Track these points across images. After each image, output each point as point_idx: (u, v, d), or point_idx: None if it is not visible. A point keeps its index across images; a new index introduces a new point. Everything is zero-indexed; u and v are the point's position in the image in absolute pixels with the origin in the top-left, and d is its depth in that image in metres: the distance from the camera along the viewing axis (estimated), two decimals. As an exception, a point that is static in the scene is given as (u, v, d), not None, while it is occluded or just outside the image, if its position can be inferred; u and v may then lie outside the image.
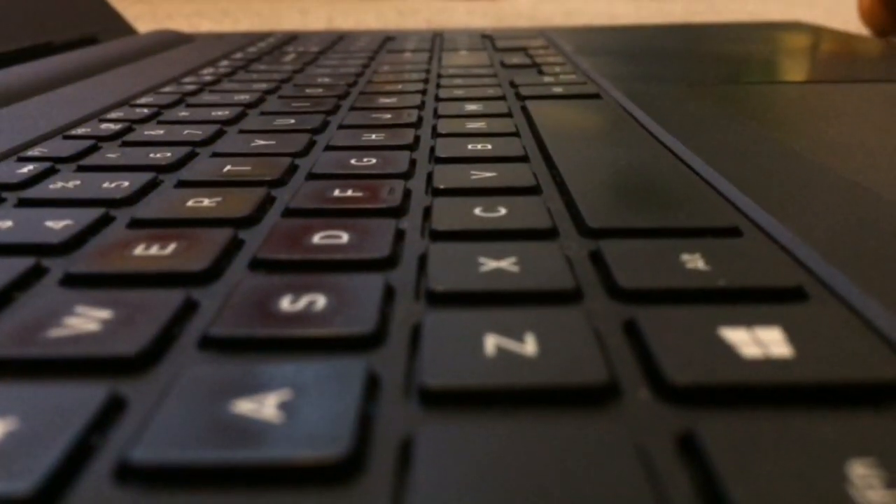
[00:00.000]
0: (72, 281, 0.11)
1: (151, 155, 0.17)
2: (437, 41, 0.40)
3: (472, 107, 0.23)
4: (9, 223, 0.13)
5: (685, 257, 0.11)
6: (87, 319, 0.09)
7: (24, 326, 0.09)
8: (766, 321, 0.09)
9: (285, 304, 0.10)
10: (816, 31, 0.42)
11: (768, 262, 0.11)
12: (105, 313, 0.09)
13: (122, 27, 0.41)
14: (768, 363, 0.08)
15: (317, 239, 0.12)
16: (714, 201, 0.14)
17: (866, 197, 0.14)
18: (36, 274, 0.11)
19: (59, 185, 0.15)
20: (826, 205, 0.14)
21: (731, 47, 0.37)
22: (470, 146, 0.18)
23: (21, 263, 0.11)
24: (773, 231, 0.12)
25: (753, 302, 0.10)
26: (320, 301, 0.10)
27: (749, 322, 0.09)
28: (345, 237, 0.12)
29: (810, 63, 0.34)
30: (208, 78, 0.29)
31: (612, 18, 0.77)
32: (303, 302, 0.10)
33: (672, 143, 0.18)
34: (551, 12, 0.82)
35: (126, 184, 0.15)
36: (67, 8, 0.38)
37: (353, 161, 0.17)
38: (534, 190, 0.15)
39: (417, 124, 0.21)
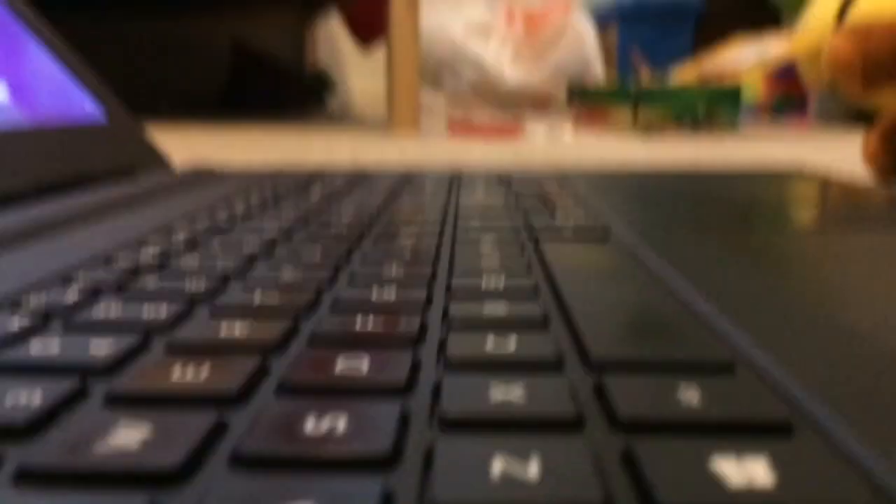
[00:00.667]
0: (114, 401, 0.12)
1: (188, 284, 0.18)
2: (455, 181, 0.42)
3: (486, 245, 0.24)
4: (56, 345, 0.14)
5: (681, 390, 0.12)
6: (127, 437, 0.10)
7: (71, 442, 0.10)
8: (753, 453, 0.10)
9: (309, 426, 0.11)
10: (823, 180, 0.44)
11: (759, 398, 0.12)
12: (144, 431, 0.10)
13: (159, 160, 0.44)
14: (752, 494, 0.09)
15: (339, 366, 0.13)
16: (712, 338, 0.15)
17: (858, 340, 0.15)
18: (81, 394, 0.12)
19: (103, 310, 0.16)
20: (818, 346, 0.14)
21: (738, 193, 0.38)
22: (484, 282, 0.19)
23: (67, 384, 0.12)
24: (766, 368, 0.13)
25: (742, 434, 0.11)
26: (341, 424, 0.11)
27: (737, 453, 0.10)
28: (365, 365, 0.13)
29: (816, 211, 0.36)
30: (240, 212, 0.31)
31: (625, 159, 0.80)
32: (325, 424, 0.11)
33: (676, 282, 0.19)
34: (566, 152, 0.86)
35: (164, 310, 0.16)
36: (107, 142, 0.40)
37: (374, 293, 0.18)
38: (543, 324, 0.16)
39: (435, 260, 0.22)
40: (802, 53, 1.61)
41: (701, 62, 1.65)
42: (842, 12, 1.48)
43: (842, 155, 0.88)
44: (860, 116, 1.62)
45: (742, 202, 0.35)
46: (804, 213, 0.35)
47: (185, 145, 0.89)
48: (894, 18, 0.56)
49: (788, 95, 1.82)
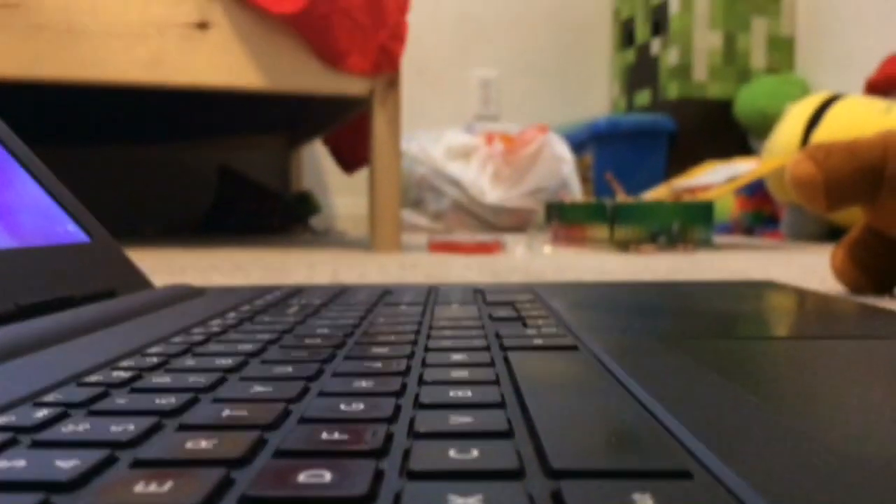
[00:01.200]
0: (75, 515, 0.12)
1: (157, 401, 0.19)
2: (431, 294, 0.43)
3: (457, 356, 0.24)
4: (22, 462, 0.14)
5: (636, 497, 0.12)
6: (87, 549, 0.10)
7: (29, 555, 0.10)
8: (701, 554, 0.10)
9: (267, 536, 0.11)
10: (790, 291, 0.45)
11: (712, 503, 0.12)
12: (104, 544, 0.10)
13: (140, 281, 0.45)
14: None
15: (302, 478, 0.13)
16: (670, 446, 0.15)
17: (813, 447, 0.15)
18: (44, 509, 0.12)
19: (71, 428, 0.16)
20: (774, 452, 0.15)
21: (706, 304, 0.39)
22: (452, 393, 0.19)
23: (31, 500, 0.12)
24: (721, 475, 0.13)
25: (694, 537, 0.11)
26: (300, 534, 0.11)
27: (685, 555, 0.10)
28: (328, 476, 0.13)
29: (781, 320, 0.36)
30: (216, 329, 0.31)
31: (600, 274, 0.82)
32: (284, 535, 0.11)
33: (638, 392, 0.20)
34: (543, 267, 0.87)
35: (132, 427, 0.16)
36: (89, 264, 0.41)
37: (342, 406, 0.18)
38: (506, 434, 0.16)
39: (406, 373, 0.22)
40: (770, 173, 1.67)
41: (674, 181, 1.71)
42: (806, 135, 1.55)
43: (813, 268, 0.90)
44: (831, 232, 1.66)
45: (712, 314, 0.36)
46: (772, 323, 0.36)
47: (169, 268, 0.90)
48: (851, 140, 0.59)
49: (759, 212, 1.88)
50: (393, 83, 1.22)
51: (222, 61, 1.15)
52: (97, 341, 0.28)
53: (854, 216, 1.61)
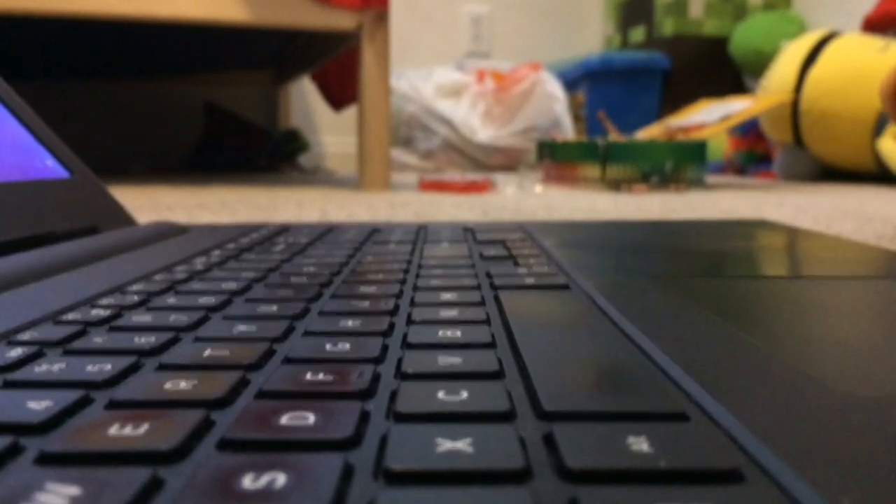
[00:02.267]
0: (46, 459, 0.11)
1: (136, 340, 0.18)
2: (421, 233, 0.42)
3: (447, 296, 0.24)
4: (-8, 403, 0.13)
5: (631, 440, 0.12)
6: (56, 496, 0.10)
7: (-6, 502, 0.09)
8: (699, 501, 0.10)
9: (247, 482, 0.10)
10: (782, 229, 0.44)
11: (709, 446, 0.12)
12: (73, 490, 0.10)
13: (122, 218, 0.44)
14: (698, 540, 0.09)
15: (284, 420, 0.12)
16: (666, 388, 0.15)
17: (811, 387, 0.15)
18: (13, 452, 0.11)
19: (45, 367, 0.16)
20: (771, 393, 0.14)
21: (699, 242, 0.39)
22: (441, 333, 0.19)
23: (0, 442, 0.11)
24: (718, 416, 0.13)
25: (691, 483, 0.10)
26: (280, 479, 0.10)
27: (684, 502, 0.10)
28: (311, 418, 0.13)
29: (774, 259, 0.36)
30: (199, 267, 0.30)
31: (592, 213, 0.81)
32: (264, 480, 0.10)
33: (632, 332, 0.19)
34: (534, 206, 0.87)
35: (108, 367, 0.16)
36: (70, 200, 0.40)
37: (328, 346, 0.17)
38: (497, 375, 0.15)
39: (393, 312, 0.22)
40: (765, 112, 1.65)
41: (667, 120, 1.69)
42: (802, 74, 1.53)
43: (805, 208, 0.90)
44: (824, 172, 1.66)
45: (705, 253, 0.35)
46: (765, 262, 0.35)
47: (154, 206, 0.89)
48: None
49: (752, 152, 1.87)
50: (382, 18, 1.19)
51: None
52: (77, 278, 0.27)
53: (849, 158, 1.60)
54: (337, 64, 1.66)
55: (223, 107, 2.03)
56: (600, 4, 2.60)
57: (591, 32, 2.61)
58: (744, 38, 2.09)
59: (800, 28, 2.04)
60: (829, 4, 2.11)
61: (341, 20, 1.17)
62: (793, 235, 0.42)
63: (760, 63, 1.98)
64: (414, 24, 2.38)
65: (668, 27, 2.21)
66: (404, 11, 2.31)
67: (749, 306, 0.24)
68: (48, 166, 0.40)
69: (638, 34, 2.37)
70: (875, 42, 1.53)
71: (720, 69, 2.19)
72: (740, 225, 0.47)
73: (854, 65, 1.50)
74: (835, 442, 0.12)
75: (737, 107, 1.56)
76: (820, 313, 0.23)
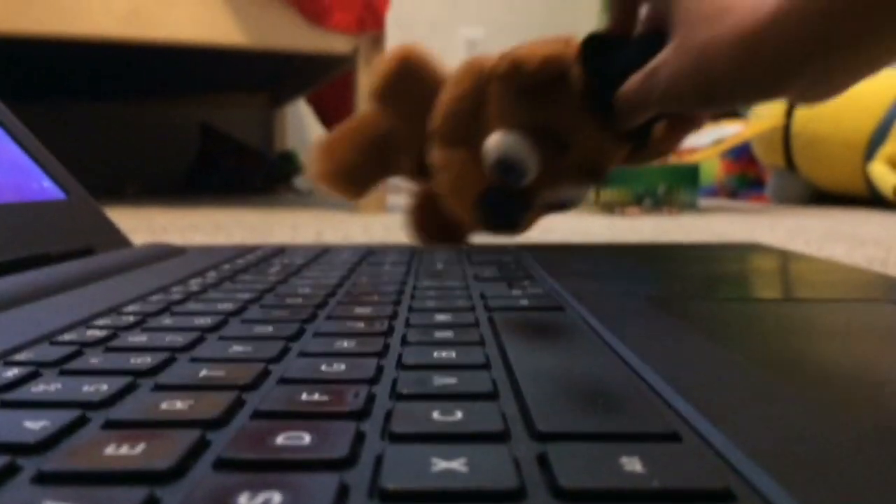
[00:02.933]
0: (43, 478, 0.11)
1: (132, 360, 0.18)
2: (416, 255, 0.42)
3: (441, 317, 0.24)
4: (-12, 423, 0.13)
5: (624, 460, 0.12)
6: (52, 514, 0.10)
7: (-9, 520, 0.10)
8: (691, 519, 0.10)
9: (242, 501, 0.10)
10: (775, 253, 0.45)
11: (701, 466, 0.12)
12: (70, 508, 0.10)
13: (118, 240, 0.44)
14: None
15: (280, 440, 0.13)
16: (658, 408, 0.15)
17: (804, 408, 0.15)
18: (10, 471, 0.11)
19: (41, 388, 0.16)
20: (764, 413, 0.14)
21: (692, 266, 0.39)
22: (436, 354, 0.19)
23: (-4, 461, 0.11)
24: (710, 436, 0.13)
25: (683, 503, 0.10)
26: (276, 498, 0.10)
27: (676, 520, 0.10)
28: (307, 438, 0.13)
29: (767, 282, 0.36)
30: (195, 288, 0.30)
31: (586, 236, 0.82)
32: (259, 499, 0.10)
33: (625, 353, 0.19)
34: (530, 230, 0.87)
35: (105, 387, 0.16)
36: (66, 221, 0.40)
37: (323, 367, 0.18)
38: (491, 395, 0.16)
39: (388, 333, 0.22)
40: (757, 136, 1.66)
41: None
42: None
43: (797, 232, 0.90)
44: (816, 196, 1.67)
45: (698, 276, 0.36)
46: (758, 285, 0.35)
47: (149, 227, 0.89)
48: (354, 122, 0.58)
49: (745, 175, 1.88)
50: (378, 41, 1.20)
51: (203, 16, 1.13)
52: (73, 299, 0.27)
53: (841, 181, 1.60)
54: (333, 87, 1.67)
55: (219, 128, 2.04)
56: (594, 29, 2.62)
57: None
58: None
59: None
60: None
61: (337, 44, 1.18)
62: (785, 259, 0.42)
63: None
64: (409, 48, 2.40)
65: None
66: (400, 35, 2.32)
67: (743, 329, 0.24)
68: (44, 187, 0.40)
69: None
70: None
71: None
72: (733, 248, 0.47)
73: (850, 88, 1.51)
74: (825, 462, 0.12)
75: (729, 131, 1.58)
76: (813, 336, 0.23)
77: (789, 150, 1.62)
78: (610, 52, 0.47)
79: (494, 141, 0.49)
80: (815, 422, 0.14)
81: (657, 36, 0.45)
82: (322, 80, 1.62)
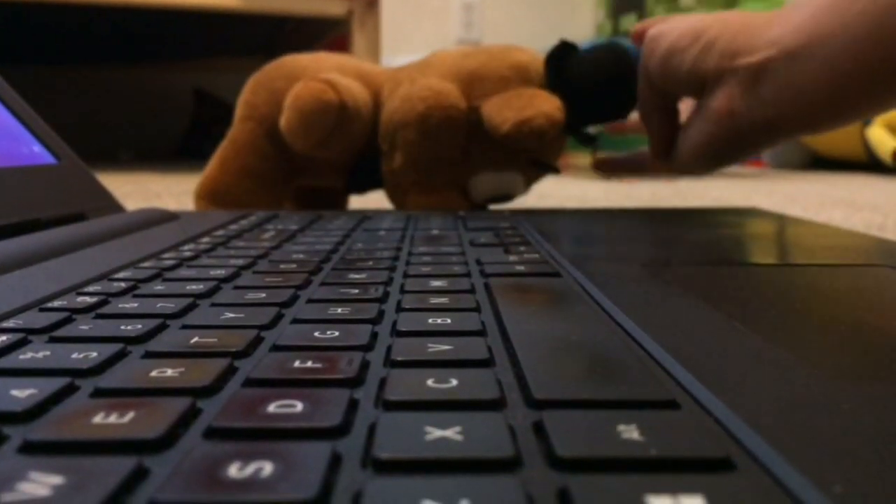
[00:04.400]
0: (29, 448, 0.11)
1: (122, 327, 0.18)
2: (410, 221, 0.42)
3: (437, 283, 0.24)
4: (-26, 391, 0.13)
5: (621, 428, 0.12)
6: (39, 485, 0.09)
7: (-25, 491, 0.09)
8: (690, 490, 0.10)
9: (233, 470, 0.10)
10: (773, 217, 0.45)
11: (700, 434, 0.12)
12: (57, 479, 0.10)
13: (110, 205, 0.43)
14: (688, 529, 0.09)
15: (272, 408, 0.12)
16: (656, 375, 0.15)
17: (802, 374, 0.15)
18: (-4, 440, 0.11)
19: (30, 355, 0.15)
20: (762, 380, 0.14)
21: (690, 230, 0.39)
22: (430, 320, 0.19)
23: (-19, 430, 0.11)
24: (709, 404, 0.13)
25: (681, 471, 0.10)
26: (267, 468, 0.10)
27: (674, 490, 0.10)
28: (299, 406, 0.12)
29: (765, 247, 0.36)
30: (188, 254, 0.30)
31: (583, 201, 0.81)
32: (250, 469, 0.10)
33: (623, 319, 0.19)
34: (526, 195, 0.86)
35: (94, 354, 0.15)
36: (56, 186, 0.40)
37: (317, 334, 0.17)
38: (486, 363, 0.15)
39: (383, 299, 0.22)
40: None
41: None
42: None
43: (795, 197, 0.90)
44: (814, 161, 1.66)
45: (696, 241, 0.35)
46: (756, 250, 0.35)
47: (143, 193, 0.88)
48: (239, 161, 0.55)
49: None
50: (372, 4, 1.18)
51: None
52: (63, 265, 0.27)
53: (839, 146, 1.59)
54: (327, 51, 1.65)
55: (213, 94, 2.01)
56: None
57: (582, 20, 2.60)
58: None
59: None
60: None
61: (332, 7, 1.16)
62: (783, 223, 0.42)
63: None
64: (405, 12, 2.37)
65: (659, 15, 2.20)
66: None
67: (740, 294, 0.24)
68: (35, 152, 0.40)
69: (629, 22, 2.36)
70: None
71: None
72: (732, 213, 0.47)
73: None
74: (826, 429, 0.12)
75: None
76: (811, 300, 0.23)
77: None
78: (570, 65, 0.49)
79: (490, 181, 0.51)
80: (816, 389, 0.14)
81: (613, 45, 0.47)
82: (316, 44, 1.59)
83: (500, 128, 0.46)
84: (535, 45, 0.54)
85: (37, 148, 0.40)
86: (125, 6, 1.12)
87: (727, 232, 0.38)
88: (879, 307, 0.22)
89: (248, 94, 0.55)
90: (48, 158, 0.40)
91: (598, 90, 0.48)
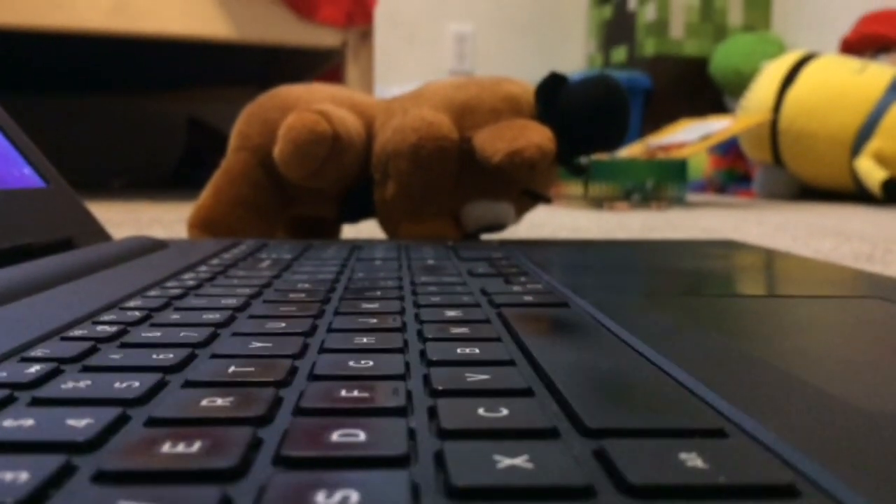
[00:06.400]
0: (105, 478, 0.11)
1: (154, 356, 0.18)
2: (402, 250, 0.42)
3: (451, 313, 0.24)
4: (30, 421, 0.13)
5: (684, 456, 0.12)
6: (132, 515, 0.09)
7: (70, 522, 0.09)
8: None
9: (321, 498, 0.10)
10: (757, 251, 0.46)
11: (757, 462, 0.12)
12: (149, 509, 0.10)
13: (96, 230, 0.43)
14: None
15: (335, 437, 0.12)
16: (694, 404, 0.15)
17: (836, 403, 0.15)
18: (67, 471, 0.11)
19: (71, 385, 0.15)
20: (800, 408, 0.15)
21: (685, 262, 0.39)
22: (459, 350, 0.19)
23: (51, 461, 0.11)
24: (755, 432, 0.13)
25: (752, 498, 0.11)
26: (353, 496, 0.10)
27: (755, 515, 0.10)
28: (362, 435, 0.13)
29: (756, 279, 0.37)
30: (191, 282, 0.30)
31: (574, 231, 0.82)
32: (337, 497, 0.10)
33: (643, 348, 0.20)
34: (518, 225, 0.87)
35: (136, 384, 0.15)
36: (46, 210, 0.39)
37: (351, 363, 0.17)
38: (527, 392, 0.16)
39: (403, 329, 0.22)
40: (744, 131, 1.68)
41: (648, 139, 1.72)
42: (781, 94, 1.56)
43: (784, 227, 0.92)
44: (803, 191, 1.70)
45: (687, 272, 0.36)
46: (753, 280, 0.36)
47: (136, 222, 0.87)
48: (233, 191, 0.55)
49: (732, 170, 1.90)
50: (366, 36, 1.19)
51: (190, 9, 1.11)
52: (66, 295, 0.27)
53: (828, 177, 1.62)
54: (321, 81, 1.65)
55: (207, 122, 2.00)
56: (583, 24, 2.64)
57: (573, 51, 2.64)
58: (724, 58, 2.13)
59: (779, 49, 2.08)
60: (807, 26, 2.17)
61: (326, 38, 1.17)
62: (769, 256, 0.43)
63: (740, 83, 2.01)
64: (398, 42, 2.39)
65: (649, 47, 2.24)
66: (389, 29, 2.31)
67: (748, 324, 0.24)
68: (25, 175, 0.39)
69: (620, 54, 2.41)
70: (852, 63, 1.57)
71: (701, 89, 2.23)
72: (723, 246, 0.48)
73: (832, 85, 1.54)
74: (875, 454, 0.12)
75: (717, 126, 1.59)
76: (812, 331, 0.24)
77: (777, 145, 1.64)
78: (561, 97, 0.50)
79: (482, 211, 0.52)
80: (854, 416, 0.14)
81: (604, 76, 0.49)
82: (310, 75, 1.60)
83: (492, 158, 0.46)
84: (527, 76, 0.56)
85: (27, 171, 0.40)
86: (119, 36, 1.11)
87: (722, 264, 0.39)
88: (884, 337, 0.23)
89: (242, 125, 0.55)
90: (38, 182, 0.40)
91: (590, 121, 0.49)
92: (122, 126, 2.12)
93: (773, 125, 1.62)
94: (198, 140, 1.97)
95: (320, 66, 1.47)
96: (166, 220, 0.89)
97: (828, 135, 1.54)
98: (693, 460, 0.12)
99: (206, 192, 0.55)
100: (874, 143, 1.45)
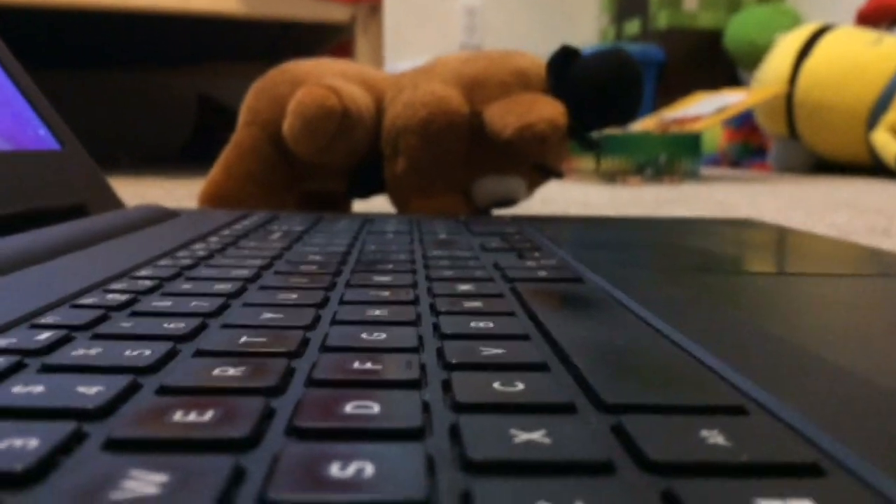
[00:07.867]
0: (115, 445, 0.11)
1: (165, 325, 0.18)
2: (414, 224, 0.42)
3: (464, 287, 0.24)
4: (40, 388, 0.13)
5: (704, 433, 0.12)
6: (144, 483, 0.09)
7: (81, 489, 0.09)
8: (795, 495, 0.10)
9: (335, 470, 0.10)
10: (775, 229, 0.45)
11: (780, 439, 0.12)
12: (161, 477, 0.09)
13: (110, 197, 0.43)
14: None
15: (349, 409, 0.12)
16: (713, 380, 0.15)
17: (858, 381, 0.15)
18: (78, 438, 0.11)
19: (81, 352, 0.15)
20: (822, 386, 0.15)
21: (700, 240, 0.39)
22: (472, 324, 0.19)
23: (61, 428, 0.11)
24: (776, 410, 0.13)
25: (773, 476, 0.10)
26: (368, 468, 0.10)
27: (781, 495, 0.10)
28: (376, 407, 0.12)
29: (778, 257, 0.37)
30: (202, 253, 0.30)
31: (586, 206, 0.81)
32: (352, 469, 0.10)
33: (660, 324, 0.19)
34: (530, 200, 0.87)
35: (148, 352, 0.15)
36: (60, 174, 0.39)
37: (363, 335, 0.17)
38: (543, 367, 0.15)
39: (415, 302, 0.22)
40: (759, 104, 1.66)
41: (662, 113, 1.70)
42: (796, 66, 1.54)
43: (799, 201, 0.91)
44: (818, 165, 1.68)
45: (701, 250, 0.36)
46: (768, 257, 0.36)
47: (144, 197, 0.87)
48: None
49: (747, 144, 1.88)
50: (375, 10, 1.18)
51: None
52: (78, 262, 0.27)
53: (843, 150, 1.60)
54: (331, 56, 1.64)
55: (216, 99, 2.00)
56: None
57: (585, 25, 2.60)
58: (738, 30, 2.09)
59: (794, 21, 2.04)
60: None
61: (335, 13, 1.16)
62: (784, 234, 0.42)
63: (755, 56, 1.98)
64: (408, 17, 2.37)
65: (662, 20, 2.21)
66: (398, 3, 2.29)
67: (764, 302, 0.24)
68: (40, 136, 0.39)
69: (633, 27, 2.37)
70: (868, 35, 1.55)
71: (715, 62, 2.20)
72: (738, 224, 0.47)
73: (847, 57, 1.52)
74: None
75: (731, 99, 1.57)
76: (832, 309, 0.23)
77: (792, 118, 1.62)
78: (573, 70, 0.49)
79: (493, 186, 0.52)
80: (876, 395, 0.14)
81: (617, 49, 0.48)
82: (320, 50, 1.59)
83: (502, 132, 0.46)
84: (538, 49, 0.55)
85: (42, 132, 0.40)
86: (128, 11, 1.10)
87: (737, 241, 0.39)
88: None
89: (252, 100, 0.55)
90: (53, 144, 0.40)
91: (602, 94, 0.48)
92: (133, 102, 2.11)
93: (789, 98, 1.60)
94: (208, 116, 1.96)
95: (330, 41, 1.46)
96: (176, 195, 0.89)
97: (843, 107, 1.52)
98: (714, 437, 0.11)
99: (216, 168, 0.55)
100: (890, 116, 1.43)
